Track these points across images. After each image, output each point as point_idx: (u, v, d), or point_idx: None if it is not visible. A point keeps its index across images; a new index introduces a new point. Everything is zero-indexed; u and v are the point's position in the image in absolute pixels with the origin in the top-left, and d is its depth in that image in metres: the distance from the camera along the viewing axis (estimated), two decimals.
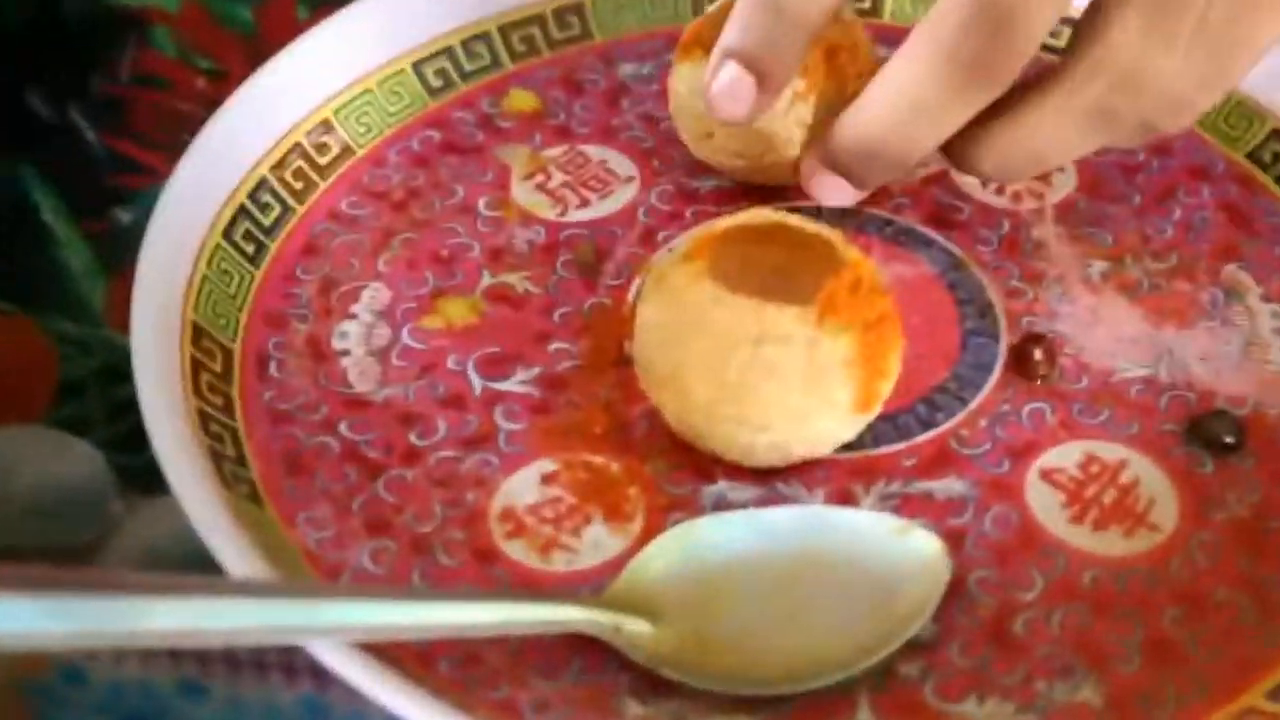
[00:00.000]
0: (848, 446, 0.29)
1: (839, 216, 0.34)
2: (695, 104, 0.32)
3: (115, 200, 0.36)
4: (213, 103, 0.34)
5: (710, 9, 0.34)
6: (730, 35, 0.29)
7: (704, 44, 0.32)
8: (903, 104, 0.28)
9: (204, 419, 0.29)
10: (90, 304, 0.35)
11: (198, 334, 0.31)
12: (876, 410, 0.29)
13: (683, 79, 0.33)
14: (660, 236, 0.34)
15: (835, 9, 0.29)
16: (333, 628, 0.25)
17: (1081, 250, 0.34)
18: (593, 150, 0.37)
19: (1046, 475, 0.30)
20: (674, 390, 0.29)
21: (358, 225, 0.34)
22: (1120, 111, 0.28)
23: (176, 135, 0.38)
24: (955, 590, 0.27)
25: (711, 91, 0.30)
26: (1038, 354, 0.31)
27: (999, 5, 0.26)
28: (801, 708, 0.25)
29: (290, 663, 0.28)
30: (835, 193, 0.30)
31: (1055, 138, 0.28)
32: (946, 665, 0.26)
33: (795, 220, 0.30)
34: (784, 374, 0.27)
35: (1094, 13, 0.27)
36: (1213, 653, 0.26)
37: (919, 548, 0.28)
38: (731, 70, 0.29)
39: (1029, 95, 0.28)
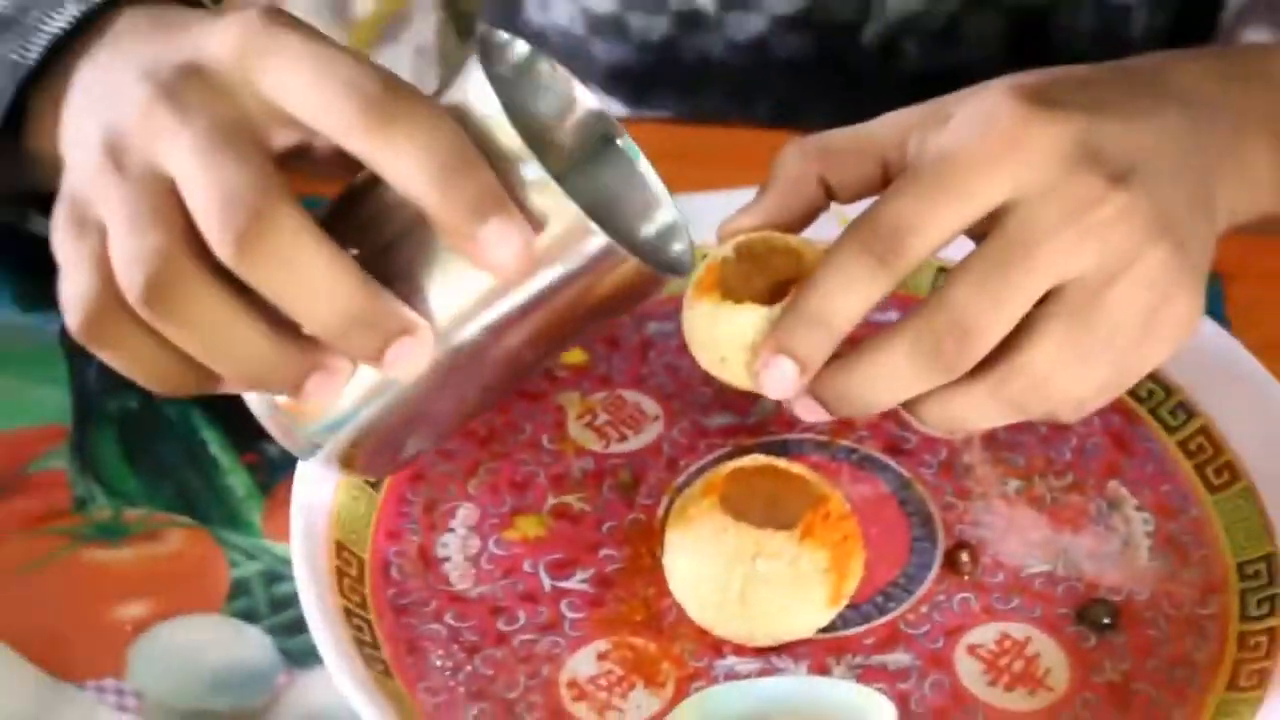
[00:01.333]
0: (824, 629, 0.41)
1: (817, 447, 0.46)
2: (712, 336, 0.40)
3: (265, 437, 0.48)
4: None
5: (714, 255, 0.41)
6: (783, 338, 0.38)
7: (720, 286, 0.40)
8: (880, 376, 0.38)
9: (348, 614, 0.41)
10: (251, 520, 0.46)
11: (339, 549, 0.43)
12: (844, 603, 0.41)
13: (702, 314, 0.40)
14: (681, 464, 0.46)
15: (864, 315, 0.38)
16: None
17: (1000, 471, 0.46)
18: (628, 394, 0.49)
19: (971, 650, 0.41)
20: (693, 594, 0.40)
21: (453, 458, 0.47)
22: (1031, 404, 0.38)
23: None
24: None
25: (765, 379, 0.38)
26: (965, 557, 0.43)
27: (965, 322, 0.36)
28: None
29: None
30: (814, 415, 0.40)
31: (980, 414, 0.38)
32: None
33: (782, 464, 0.42)
34: (775, 582, 0.39)
35: (1025, 322, 0.37)
36: None
37: (876, 708, 0.38)
38: (787, 368, 0.38)
39: (966, 381, 0.37)
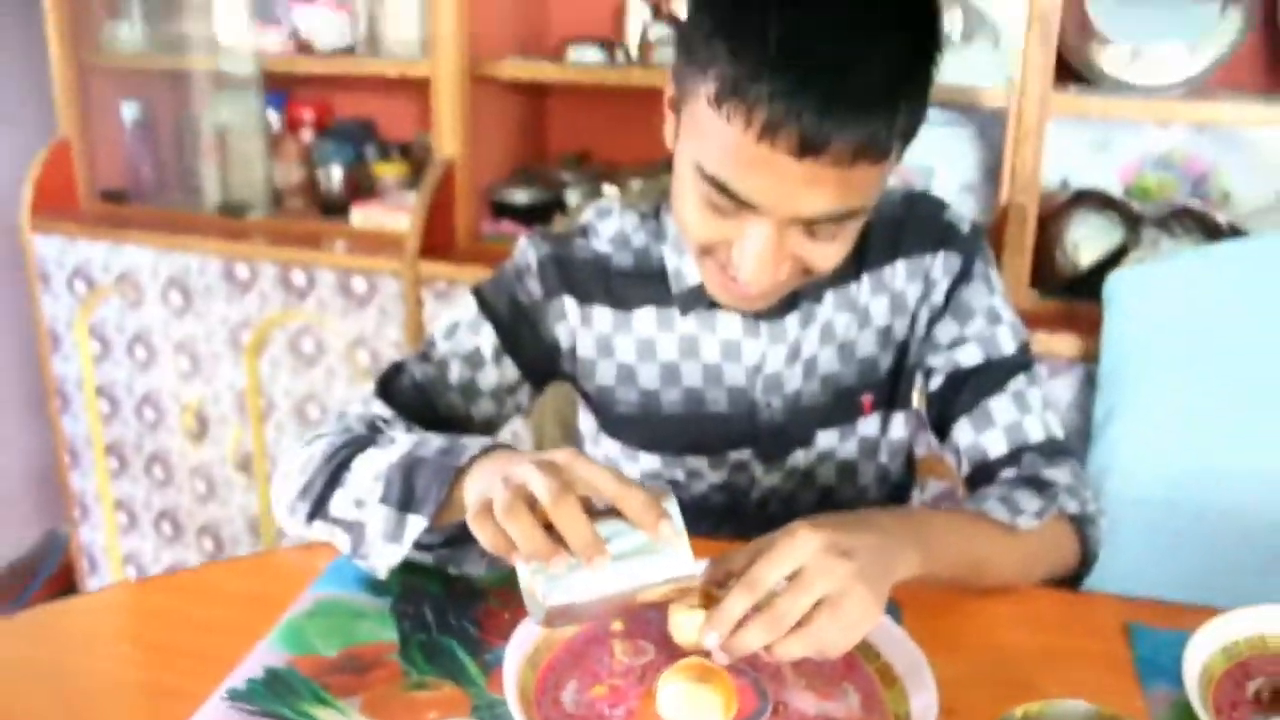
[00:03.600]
0: None
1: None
2: (684, 626, 0.93)
3: (488, 650, 1.01)
4: None
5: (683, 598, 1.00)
6: (712, 624, 0.91)
7: (689, 603, 0.97)
8: (749, 639, 0.89)
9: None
10: (480, 684, 0.97)
11: (522, 694, 0.95)
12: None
13: (680, 615, 0.94)
14: (662, 668, 1.00)
15: (738, 617, 0.93)
16: None
17: (798, 674, 1.00)
18: (643, 642, 1.03)
19: None
20: (671, 712, 0.93)
21: (565, 669, 1.00)
22: (818, 645, 0.87)
23: None
24: None
25: (706, 641, 0.90)
26: (781, 708, 0.96)
27: (777, 619, 0.89)
28: None
29: None
30: (724, 659, 0.91)
31: (797, 649, 0.89)
32: None
33: (707, 662, 0.95)
34: (705, 705, 0.91)
35: (810, 617, 0.90)
36: None
37: None
38: (713, 636, 0.90)
39: (786, 638, 0.90)
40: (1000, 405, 1.27)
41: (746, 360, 1.29)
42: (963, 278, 1.29)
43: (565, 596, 0.89)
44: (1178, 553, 1.65)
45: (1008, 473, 1.25)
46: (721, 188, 1.01)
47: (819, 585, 0.88)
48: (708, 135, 1.00)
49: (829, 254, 1.07)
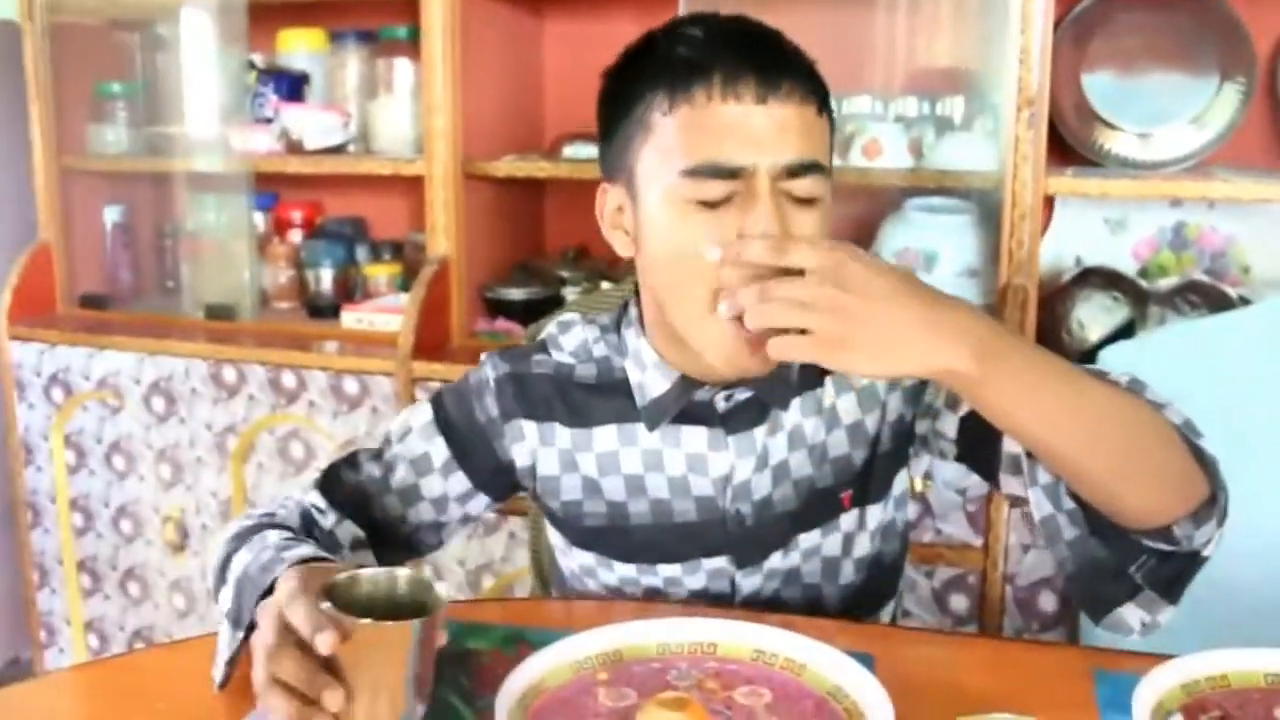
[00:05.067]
0: None
1: (698, 695, 1.08)
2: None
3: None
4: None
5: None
6: (731, 254, 1.12)
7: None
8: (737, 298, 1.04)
9: None
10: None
11: None
12: None
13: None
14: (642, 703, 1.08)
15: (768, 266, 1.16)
16: None
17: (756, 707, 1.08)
18: (628, 689, 1.12)
19: None
20: None
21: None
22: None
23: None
24: None
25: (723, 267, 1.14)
26: None
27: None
28: None
29: None
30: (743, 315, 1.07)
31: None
32: None
33: (684, 696, 1.04)
34: None
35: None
36: None
37: None
38: (724, 258, 1.14)
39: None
40: None
41: (714, 472, 1.36)
42: None
43: None
44: (1191, 612, 1.72)
45: None
46: (708, 169, 1.18)
47: (802, 292, 1.03)
48: (677, 143, 1.20)
49: (813, 221, 1.21)
